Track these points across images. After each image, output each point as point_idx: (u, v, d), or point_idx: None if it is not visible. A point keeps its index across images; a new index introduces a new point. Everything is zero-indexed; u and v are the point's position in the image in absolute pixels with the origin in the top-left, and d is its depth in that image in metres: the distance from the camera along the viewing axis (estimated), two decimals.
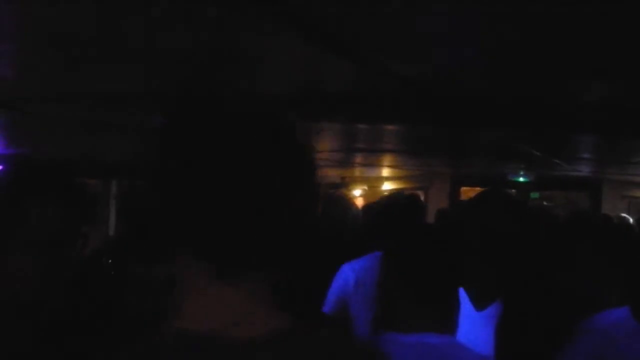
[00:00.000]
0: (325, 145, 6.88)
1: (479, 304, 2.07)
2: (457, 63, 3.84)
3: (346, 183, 11.73)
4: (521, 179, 11.33)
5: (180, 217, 0.86)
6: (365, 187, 12.15)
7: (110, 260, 2.03)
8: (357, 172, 11.43)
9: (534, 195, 11.77)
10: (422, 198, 8.80)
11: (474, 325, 2.02)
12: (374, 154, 9.02)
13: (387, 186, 12.20)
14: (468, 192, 11.25)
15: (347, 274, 3.11)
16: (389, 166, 10.66)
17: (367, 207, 6.38)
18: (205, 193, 0.84)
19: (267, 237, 0.86)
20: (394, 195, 4.07)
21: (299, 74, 4.43)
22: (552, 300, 1.97)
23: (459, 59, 3.72)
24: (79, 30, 2.64)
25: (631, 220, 8.23)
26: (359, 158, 9.33)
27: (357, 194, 11.60)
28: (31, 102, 4.69)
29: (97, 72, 3.68)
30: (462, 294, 2.06)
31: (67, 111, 5.02)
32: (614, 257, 1.88)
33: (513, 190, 10.71)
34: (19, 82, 4.02)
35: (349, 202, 5.12)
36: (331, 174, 10.68)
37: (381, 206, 3.83)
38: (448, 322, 1.60)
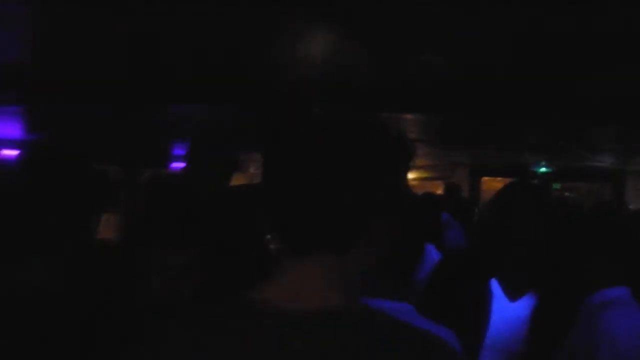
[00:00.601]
0: None
1: (512, 294, 2.07)
2: (479, 54, 3.81)
3: None
4: (543, 170, 11.22)
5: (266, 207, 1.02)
6: None
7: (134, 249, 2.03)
8: None
9: (556, 186, 11.66)
10: (442, 189, 8.77)
11: (507, 316, 2.02)
12: None
13: (408, 175, 12.12)
14: (489, 182, 11.17)
15: None
16: None
17: None
18: (276, 191, 1.00)
19: (332, 220, 0.96)
20: None
21: (320, 62, 4.43)
22: (572, 292, 1.99)
23: (480, 50, 3.70)
24: None
25: None
26: None
27: None
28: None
29: None
30: (495, 285, 2.06)
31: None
32: (616, 251, 1.92)
33: (535, 181, 10.61)
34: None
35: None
36: None
37: None
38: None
